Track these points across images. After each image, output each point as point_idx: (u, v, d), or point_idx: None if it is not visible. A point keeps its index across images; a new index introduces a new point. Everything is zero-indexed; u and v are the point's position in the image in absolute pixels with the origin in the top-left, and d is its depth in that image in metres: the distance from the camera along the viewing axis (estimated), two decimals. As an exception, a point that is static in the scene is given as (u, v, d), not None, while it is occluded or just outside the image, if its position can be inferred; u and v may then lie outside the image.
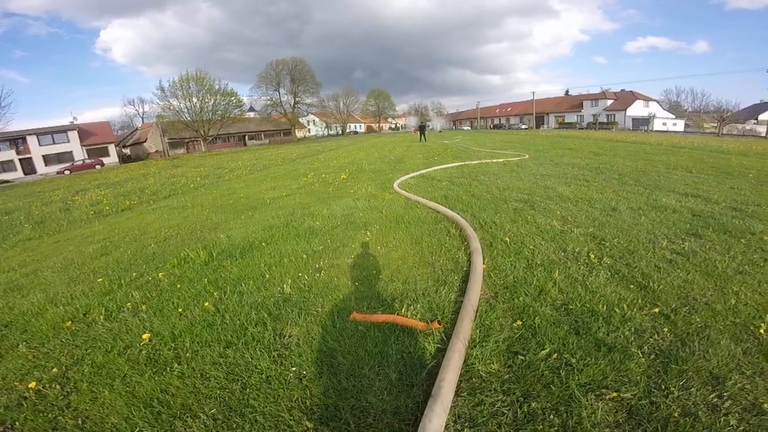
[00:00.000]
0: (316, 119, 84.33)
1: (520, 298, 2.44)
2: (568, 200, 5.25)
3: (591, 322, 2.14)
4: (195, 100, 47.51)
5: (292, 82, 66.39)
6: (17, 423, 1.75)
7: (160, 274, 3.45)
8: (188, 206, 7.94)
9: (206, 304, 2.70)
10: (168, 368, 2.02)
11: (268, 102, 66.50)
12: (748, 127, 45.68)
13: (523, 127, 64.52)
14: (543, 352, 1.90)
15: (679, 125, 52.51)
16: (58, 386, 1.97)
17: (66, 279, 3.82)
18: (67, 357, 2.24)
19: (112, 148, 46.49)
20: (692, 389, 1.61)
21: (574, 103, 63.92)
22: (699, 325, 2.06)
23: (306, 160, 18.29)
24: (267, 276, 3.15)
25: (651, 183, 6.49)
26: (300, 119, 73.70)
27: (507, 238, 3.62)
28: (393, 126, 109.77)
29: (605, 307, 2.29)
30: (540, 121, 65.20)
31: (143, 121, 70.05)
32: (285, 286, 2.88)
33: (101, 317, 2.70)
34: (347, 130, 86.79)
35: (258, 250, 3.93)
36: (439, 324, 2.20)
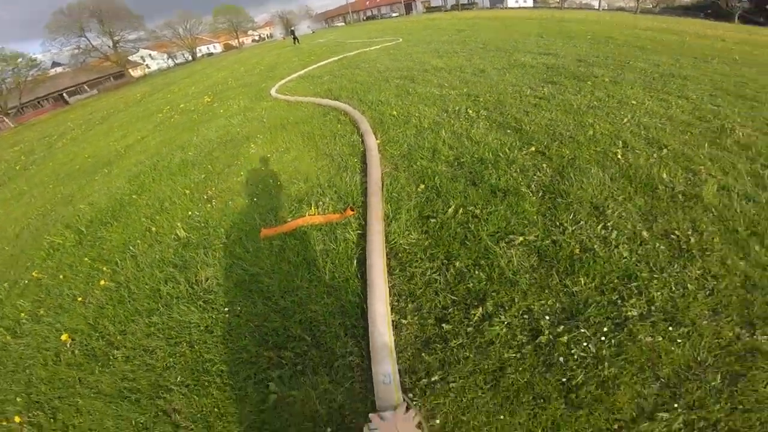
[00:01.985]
0: (153, 53, 66.91)
1: (418, 163, 2.46)
2: (442, 70, 5.28)
3: (483, 171, 2.20)
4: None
5: (101, 23, 50.71)
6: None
7: (34, 274, 2.63)
8: (25, 190, 5.78)
9: (102, 282, 2.19)
10: (111, 357, 1.67)
11: (77, 51, 50.26)
12: (584, 1, 51.76)
13: (394, 15, 63.36)
14: (450, 209, 1.97)
15: (529, 1, 56.57)
16: (41, 413, 1.52)
17: None
18: (13, 388, 1.69)
19: None
20: (581, 222, 1.79)
21: None
22: (570, 157, 2.27)
23: (155, 96, 14.96)
24: (153, 228, 2.62)
25: (510, 48, 6.90)
26: (131, 58, 57.87)
27: (395, 112, 3.56)
28: (256, 38, 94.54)
29: (491, 153, 2.37)
30: (409, 8, 64.91)
31: None
32: (177, 231, 2.45)
33: (8, 337, 2.03)
34: (199, 55, 71.38)
35: (131, 206, 3.20)
36: (353, 210, 2.10)
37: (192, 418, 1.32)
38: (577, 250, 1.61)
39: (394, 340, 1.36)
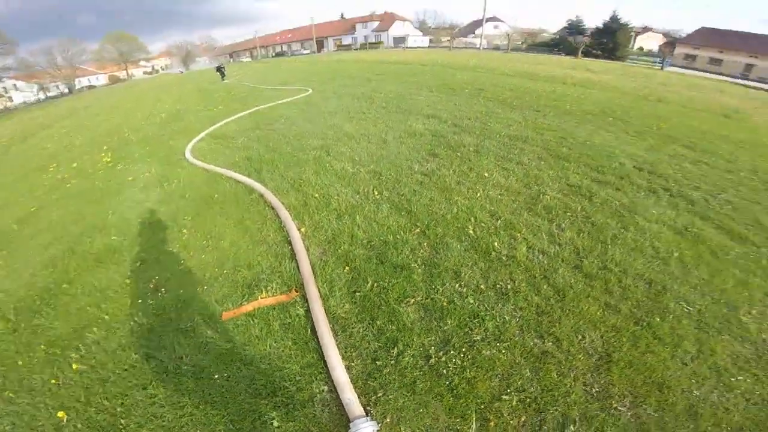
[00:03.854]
0: (20, 83, 57.25)
1: (342, 247, 3.22)
2: (353, 138, 6.21)
3: (386, 251, 3.07)
4: None
5: None
6: None
7: None
8: None
9: (75, 366, 2.43)
10: (120, 426, 1.84)
11: None
12: (469, 41, 59.73)
13: (305, 52, 65.40)
14: (368, 285, 2.75)
15: (426, 41, 63.60)
16: None
17: None
18: None
19: None
20: (447, 284, 2.74)
21: (348, 26, 68.64)
22: (441, 235, 3.27)
23: (29, 144, 12.61)
24: (106, 316, 2.80)
25: (407, 107, 8.33)
26: None
27: (317, 194, 4.26)
28: (149, 70, 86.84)
29: (392, 236, 3.27)
30: (320, 45, 67.43)
31: None
32: (135, 318, 2.74)
33: None
34: (78, 86, 62.99)
35: (65, 294, 3.15)
36: (297, 291, 2.77)
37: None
38: (445, 303, 2.56)
39: (349, 376, 2.08)
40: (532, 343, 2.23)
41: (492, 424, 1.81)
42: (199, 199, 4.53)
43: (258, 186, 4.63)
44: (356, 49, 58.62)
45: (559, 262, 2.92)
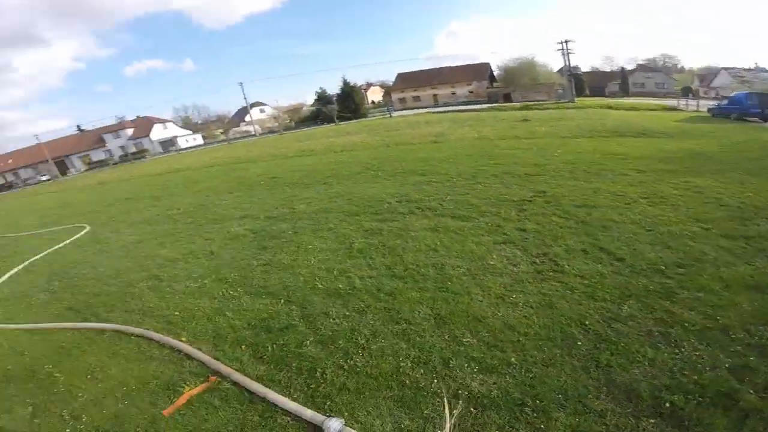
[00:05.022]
0: None
1: (229, 337, 3.79)
2: (177, 261, 6.36)
3: (269, 322, 3.96)
4: None
5: None
6: None
7: None
8: None
9: None
10: None
11: None
12: (243, 129, 62.21)
13: (44, 178, 49.55)
14: (268, 349, 3.52)
15: (199, 139, 62.38)
16: None
17: None
18: None
19: None
20: (329, 319, 3.85)
21: (95, 138, 58.31)
22: (302, 298, 4.45)
23: None
24: None
25: (214, 216, 8.95)
26: None
27: (177, 312, 4.58)
28: None
29: (266, 312, 4.20)
30: (63, 166, 53.40)
31: None
32: None
33: None
34: None
35: None
36: (213, 376, 3.30)
37: None
38: (330, 334, 3.64)
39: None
40: (395, 328, 3.57)
41: (407, 381, 3.03)
42: (43, 352, 4.24)
43: (108, 325, 4.57)
44: (115, 164, 51.03)
45: (381, 277, 4.62)
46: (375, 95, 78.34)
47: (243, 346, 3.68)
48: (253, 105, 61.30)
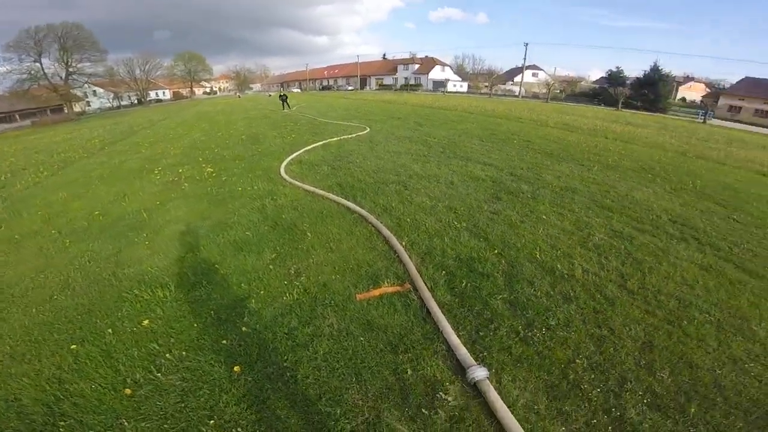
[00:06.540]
0: (98, 89, 64.98)
1: (436, 258, 4.28)
2: (423, 178, 7.42)
3: (473, 263, 4.13)
4: None
5: (62, 50, 49.71)
6: None
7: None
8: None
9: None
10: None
11: (25, 76, 47.84)
12: (508, 88, 62.22)
13: (350, 88, 70.67)
14: (463, 284, 3.77)
15: (464, 87, 66.76)
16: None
17: None
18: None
19: None
20: (524, 288, 3.66)
21: (390, 67, 73.31)
22: (514, 257, 4.31)
23: (119, 147, 14.37)
24: (262, 292, 3.82)
25: (463, 155, 9.56)
26: (75, 91, 55.83)
27: (408, 219, 5.38)
28: (208, 90, 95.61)
29: (475, 254, 4.33)
30: (363, 82, 72.30)
31: None
32: (287, 295, 3.75)
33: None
34: (147, 99, 70.70)
35: (204, 286, 3.96)
36: (409, 284, 3.75)
37: None
38: (524, 300, 3.48)
39: (460, 341, 2.96)
40: (593, 330, 3.12)
41: (571, 377, 2.74)
42: (310, 212, 5.69)
43: (357, 207, 5.74)
44: (396, 90, 62.54)
45: (607, 281, 3.85)
46: (690, 93, 60.22)
47: (443, 272, 3.96)
48: (528, 67, 58.79)
